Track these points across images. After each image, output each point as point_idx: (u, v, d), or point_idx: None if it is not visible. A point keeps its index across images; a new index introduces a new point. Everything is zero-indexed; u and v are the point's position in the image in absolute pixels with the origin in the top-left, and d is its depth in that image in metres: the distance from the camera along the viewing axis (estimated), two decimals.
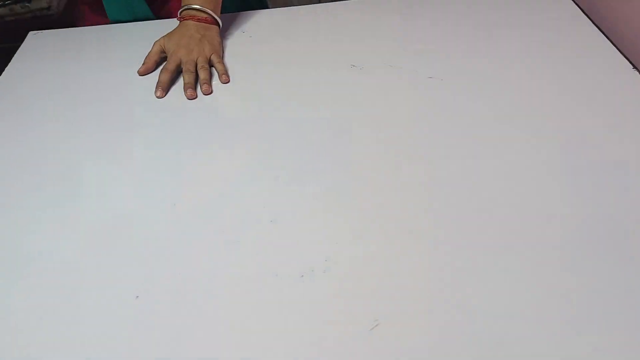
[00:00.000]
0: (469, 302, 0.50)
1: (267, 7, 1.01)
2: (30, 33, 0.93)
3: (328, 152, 0.67)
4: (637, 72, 0.75)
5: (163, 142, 0.70)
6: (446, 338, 0.47)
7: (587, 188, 0.59)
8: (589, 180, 0.60)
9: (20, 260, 0.57)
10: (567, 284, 0.51)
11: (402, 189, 0.61)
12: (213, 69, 0.82)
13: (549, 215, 0.57)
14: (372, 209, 0.59)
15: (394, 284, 0.52)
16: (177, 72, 0.81)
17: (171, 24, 0.88)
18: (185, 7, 0.83)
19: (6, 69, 0.85)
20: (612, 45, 0.80)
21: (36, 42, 0.92)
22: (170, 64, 0.80)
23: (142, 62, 0.82)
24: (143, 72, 0.82)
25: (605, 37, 0.82)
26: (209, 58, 0.81)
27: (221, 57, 0.83)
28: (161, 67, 0.81)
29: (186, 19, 0.83)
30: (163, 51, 0.83)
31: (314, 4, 0.97)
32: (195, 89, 0.78)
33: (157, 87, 0.78)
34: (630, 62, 0.77)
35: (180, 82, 0.80)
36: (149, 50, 0.83)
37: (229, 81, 0.80)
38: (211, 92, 0.78)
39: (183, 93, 0.78)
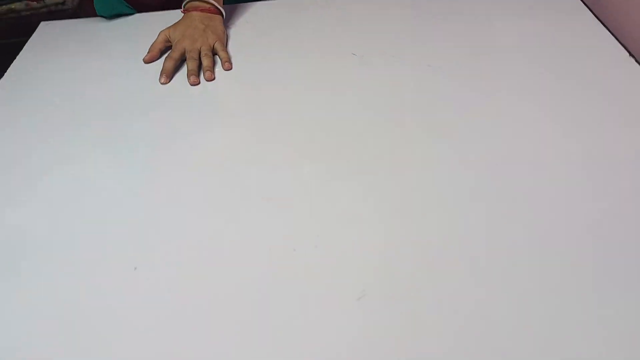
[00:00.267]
0: (454, 275, 0.51)
1: None
2: (42, 23, 0.96)
3: (325, 136, 0.68)
4: (634, 60, 0.76)
5: (165, 125, 0.72)
6: (431, 309, 0.49)
7: (581, 172, 0.61)
8: (584, 165, 0.61)
9: (19, 234, 0.59)
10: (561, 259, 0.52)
11: (396, 171, 0.63)
12: (216, 57, 0.84)
13: (544, 195, 0.58)
14: (365, 190, 0.61)
15: (382, 259, 0.54)
16: (182, 61, 0.83)
17: (176, 14, 0.91)
18: None
19: (18, 56, 0.88)
20: (610, 34, 0.81)
21: (47, 32, 0.95)
22: (175, 53, 0.82)
23: (148, 51, 0.85)
24: (148, 60, 0.84)
25: (604, 27, 0.82)
26: (212, 46, 0.84)
27: (224, 46, 0.85)
28: (165, 56, 0.83)
29: (190, 11, 0.85)
30: (168, 40, 0.86)
31: None
32: (198, 75, 0.80)
33: (161, 74, 0.80)
34: (627, 50, 0.78)
35: (184, 70, 0.82)
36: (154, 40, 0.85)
37: (231, 68, 0.82)
38: (214, 79, 0.80)
39: (186, 80, 0.80)
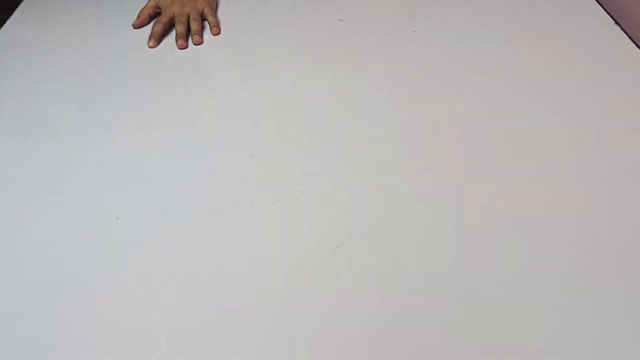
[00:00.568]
0: (430, 228, 0.52)
1: None
2: None
3: (308, 98, 0.69)
4: (619, 28, 0.77)
5: (153, 87, 0.73)
6: (406, 258, 0.50)
7: (570, 138, 0.61)
8: (572, 129, 0.62)
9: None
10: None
11: (376, 128, 0.64)
12: (205, 22, 0.85)
13: (532, 168, 0.59)
14: (345, 147, 0.62)
15: (361, 212, 0.54)
16: (171, 26, 0.84)
17: None
18: None
19: (8, 20, 0.88)
20: (596, 2, 0.81)
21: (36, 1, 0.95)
22: (164, 17, 0.82)
23: (137, 16, 0.85)
24: (137, 25, 0.84)
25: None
26: (201, 12, 0.84)
27: (214, 11, 0.86)
28: (154, 20, 0.84)
29: None
30: (157, 6, 0.86)
31: None
32: (186, 39, 0.80)
33: (150, 38, 0.80)
34: (612, 17, 0.78)
35: (172, 34, 0.82)
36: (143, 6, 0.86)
37: (219, 33, 0.82)
38: (201, 43, 0.80)
39: (174, 44, 0.80)
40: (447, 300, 0.46)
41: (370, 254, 0.50)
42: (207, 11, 0.84)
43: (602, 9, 0.80)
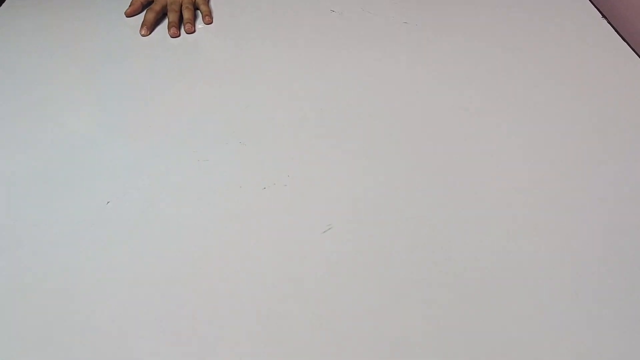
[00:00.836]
0: (417, 212, 0.53)
1: None
2: None
3: (298, 86, 0.70)
4: (606, 21, 0.78)
5: (144, 75, 0.73)
6: (392, 242, 0.51)
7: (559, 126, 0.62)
8: (563, 120, 0.63)
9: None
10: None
11: (364, 116, 0.64)
12: (198, 11, 0.85)
13: (521, 158, 0.60)
14: (334, 135, 0.63)
15: (348, 197, 0.55)
16: (163, 15, 0.84)
17: None
18: None
19: (1, 6, 0.88)
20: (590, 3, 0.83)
21: None
22: (156, 5, 0.83)
23: (129, 4, 0.85)
24: (130, 14, 0.85)
25: None
26: (194, 1, 0.84)
27: (206, 0, 0.86)
28: (147, 9, 0.84)
29: None
30: None
31: None
32: (179, 28, 0.81)
33: (142, 26, 0.81)
34: (600, 11, 0.79)
35: (165, 23, 0.83)
36: None
37: (211, 22, 0.83)
38: (194, 32, 0.81)
39: (166, 32, 0.81)
40: (433, 285, 0.48)
41: (357, 237, 0.51)
42: (199, 0, 0.85)
43: (590, 3, 0.81)
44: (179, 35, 0.80)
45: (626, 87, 0.67)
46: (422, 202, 0.54)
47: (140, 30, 0.80)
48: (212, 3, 0.88)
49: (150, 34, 0.81)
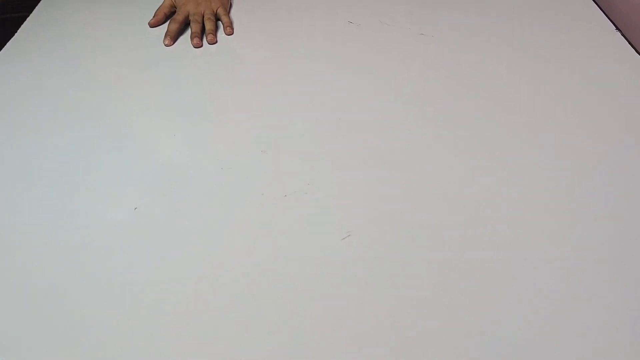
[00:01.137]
0: (434, 220, 0.55)
1: None
2: None
3: (318, 96, 0.72)
4: (620, 34, 0.79)
5: (168, 84, 0.76)
6: (409, 248, 0.53)
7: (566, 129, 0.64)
8: (575, 132, 0.65)
9: (21, 176, 0.63)
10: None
11: (383, 126, 0.66)
12: (219, 22, 0.88)
13: (534, 168, 0.62)
14: (353, 144, 0.65)
15: (367, 205, 0.57)
16: (186, 25, 0.87)
17: None
18: None
19: (26, 20, 0.91)
20: (598, 8, 0.84)
21: None
22: (179, 16, 0.85)
23: (153, 15, 0.88)
24: (153, 24, 0.87)
25: (592, 2, 0.85)
26: (215, 11, 0.87)
27: (227, 11, 0.89)
28: (170, 19, 0.87)
29: None
30: (173, 6, 0.89)
31: None
32: (201, 38, 0.83)
33: (165, 36, 0.83)
34: (613, 24, 0.81)
35: (187, 33, 0.85)
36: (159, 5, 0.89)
37: (232, 33, 0.85)
38: (216, 42, 0.83)
39: (189, 42, 0.83)
40: (450, 290, 0.49)
41: (375, 244, 0.53)
42: (220, 11, 0.87)
43: (603, 15, 0.82)
44: (202, 46, 0.83)
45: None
46: (439, 209, 0.56)
47: (164, 40, 0.83)
48: (232, 14, 0.90)
49: (173, 44, 0.83)
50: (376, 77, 0.75)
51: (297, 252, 0.53)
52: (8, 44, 0.84)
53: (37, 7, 0.94)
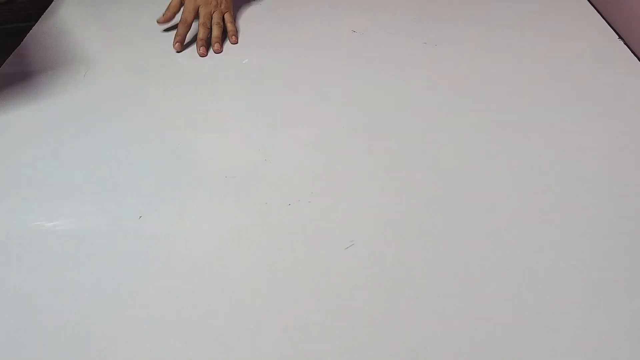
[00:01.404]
0: (437, 229, 0.55)
1: None
2: None
3: (321, 105, 0.72)
4: (622, 42, 0.79)
5: (172, 92, 0.76)
6: (413, 257, 0.53)
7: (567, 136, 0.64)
8: (579, 141, 0.65)
9: (26, 185, 0.63)
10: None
11: (385, 135, 0.67)
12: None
13: (537, 176, 0.62)
14: (356, 153, 0.65)
15: (371, 214, 0.57)
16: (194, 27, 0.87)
17: None
18: None
19: (33, 27, 0.92)
20: (601, 17, 0.84)
21: (61, 6, 0.99)
22: (187, 14, 0.85)
23: (163, 13, 0.87)
24: (162, 21, 0.87)
25: (594, 9, 0.86)
26: (223, 15, 0.87)
27: (234, 18, 0.89)
28: (180, 19, 0.86)
29: None
30: (183, 3, 0.87)
31: None
32: (207, 47, 0.84)
33: (175, 40, 0.83)
34: (616, 32, 0.81)
35: (192, 35, 0.86)
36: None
37: (237, 42, 0.86)
38: (221, 52, 0.84)
39: (193, 48, 0.84)
40: (454, 299, 0.49)
41: (379, 253, 0.53)
42: (227, 17, 0.87)
43: (606, 24, 0.82)
44: (206, 55, 0.83)
45: None
46: (443, 218, 0.56)
47: (173, 45, 0.83)
48: (237, 23, 0.91)
49: (182, 48, 0.84)
50: (380, 85, 0.75)
51: (300, 261, 0.53)
52: (13, 53, 0.85)
53: (40, 19, 0.95)
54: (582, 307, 0.48)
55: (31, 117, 0.73)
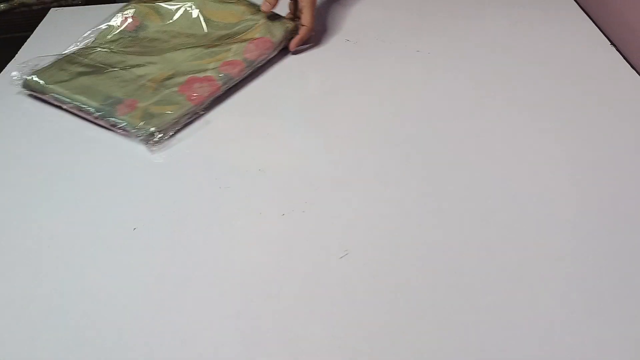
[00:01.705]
0: (431, 238, 0.55)
1: None
2: (52, 10, 1.00)
3: (314, 114, 0.73)
4: (615, 49, 0.80)
5: None
6: (407, 267, 0.53)
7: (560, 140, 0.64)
8: (571, 148, 0.65)
9: (24, 199, 0.63)
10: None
11: (381, 147, 0.67)
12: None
13: (531, 184, 0.62)
14: (350, 162, 0.65)
15: (365, 223, 0.57)
16: None
17: None
18: None
19: (27, 41, 0.92)
20: (593, 24, 0.85)
21: (57, 18, 0.99)
22: None
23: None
24: (266, 10, 0.81)
25: (587, 17, 0.86)
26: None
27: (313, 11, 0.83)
28: None
29: None
30: None
31: None
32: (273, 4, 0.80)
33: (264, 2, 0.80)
34: (608, 39, 0.81)
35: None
36: None
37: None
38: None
39: None
40: (448, 309, 0.49)
41: (373, 263, 0.53)
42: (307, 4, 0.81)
43: (599, 31, 0.83)
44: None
45: (636, 113, 0.68)
46: (437, 228, 0.56)
47: (262, 7, 0.81)
48: None
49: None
50: (373, 93, 0.75)
51: (295, 271, 0.53)
52: (8, 65, 0.86)
53: (34, 32, 0.95)
54: (579, 319, 0.48)
55: (26, 128, 0.73)
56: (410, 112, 0.71)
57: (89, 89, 0.73)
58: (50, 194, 0.63)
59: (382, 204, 0.59)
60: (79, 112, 0.72)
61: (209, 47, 0.80)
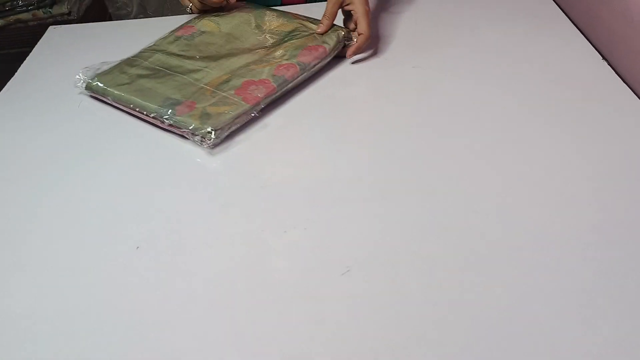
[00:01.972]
0: (432, 254, 0.56)
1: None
2: (50, 27, 1.01)
3: (314, 132, 0.74)
4: (606, 63, 0.81)
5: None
6: (408, 283, 0.54)
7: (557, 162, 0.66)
8: (567, 159, 0.66)
9: (27, 211, 0.64)
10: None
11: (380, 163, 0.68)
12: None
13: (531, 198, 0.63)
14: (350, 179, 0.66)
15: (366, 240, 0.58)
16: None
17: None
18: None
19: (27, 58, 0.93)
20: (585, 39, 0.86)
21: (55, 36, 1.00)
22: None
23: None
24: (322, 32, 0.83)
25: (579, 32, 0.88)
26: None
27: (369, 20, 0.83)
28: None
29: None
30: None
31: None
32: None
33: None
34: (600, 53, 0.83)
35: None
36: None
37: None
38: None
39: None
40: (449, 325, 0.50)
41: (374, 279, 0.54)
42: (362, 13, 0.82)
43: (591, 46, 0.85)
44: None
45: (628, 130, 0.70)
46: (437, 244, 0.57)
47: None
48: None
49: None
50: (371, 108, 0.76)
51: (297, 288, 0.54)
52: (10, 81, 0.86)
53: (33, 50, 0.95)
54: (577, 332, 0.49)
55: (26, 144, 0.74)
56: (407, 129, 0.72)
57: (149, 91, 0.75)
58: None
59: (383, 220, 0.60)
60: (137, 114, 0.75)
61: (264, 54, 0.82)
